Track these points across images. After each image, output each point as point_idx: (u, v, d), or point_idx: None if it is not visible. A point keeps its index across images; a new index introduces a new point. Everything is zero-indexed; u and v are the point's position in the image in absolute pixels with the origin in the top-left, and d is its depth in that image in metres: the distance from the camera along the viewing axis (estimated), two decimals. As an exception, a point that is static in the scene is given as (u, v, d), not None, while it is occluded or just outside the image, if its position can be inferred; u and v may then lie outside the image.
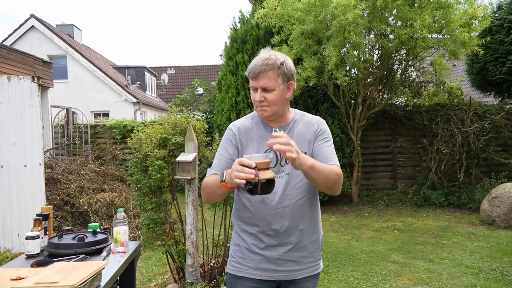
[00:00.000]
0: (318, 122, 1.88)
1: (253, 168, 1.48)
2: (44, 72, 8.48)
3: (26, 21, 17.26)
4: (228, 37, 9.42)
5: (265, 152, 1.78)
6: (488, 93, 11.00)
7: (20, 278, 1.80)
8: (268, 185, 1.52)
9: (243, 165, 1.50)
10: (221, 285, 3.93)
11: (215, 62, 32.33)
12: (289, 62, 1.78)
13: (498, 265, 4.88)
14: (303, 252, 1.83)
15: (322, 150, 1.79)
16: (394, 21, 7.72)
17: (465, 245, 5.79)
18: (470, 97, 9.56)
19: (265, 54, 1.74)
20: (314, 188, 1.85)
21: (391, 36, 7.84)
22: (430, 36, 7.56)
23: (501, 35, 9.25)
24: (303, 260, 1.83)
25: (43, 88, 7.59)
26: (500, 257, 5.19)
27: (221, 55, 9.93)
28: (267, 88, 1.72)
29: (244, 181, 1.48)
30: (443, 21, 7.09)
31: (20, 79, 5.27)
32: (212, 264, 4.12)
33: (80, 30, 21.26)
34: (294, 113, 1.89)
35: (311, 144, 1.82)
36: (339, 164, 1.78)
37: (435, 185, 8.69)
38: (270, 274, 1.80)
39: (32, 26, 17.24)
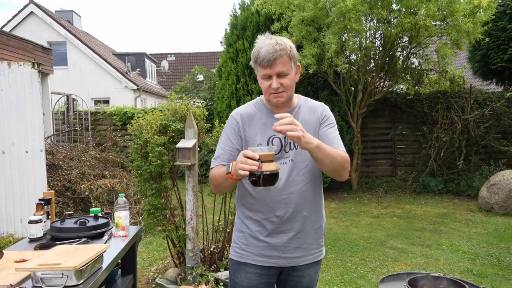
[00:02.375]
0: (322, 108, 1.89)
1: (257, 160, 1.51)
2: (44, 58, 8.46)
3: (25, 7, 17.14)
4: (228, 24, 9.38)
5: (269, 139, 1.80)
6: (490, 81, 10.96)
7: (24, 260, 1.85)
8: (271, 178, 1.54)
9: (247, 157, 1.51)
10: (221, 269, 3.99)
11: (216, 48, 32.17)
12: (293, 45, 1.78)
13: (494, 251, 4.94)
14: (306, 238, 1.84)
15: (328, 136, 1.80)
16: (398, 7, 7.65)
17: (463, 231, 5.85)
18: (470, 84, 9.54)
19: (271, 40, 1.72)
20: (319, 175, 1.86)
21: (394, 21, 7.78)
22: (434, 24, 7.50)
23: (504, 22, 9.18)
24: (307, 247, 1.84)
25: (43, 75, 7.59)
26: (497, 243, 5.25)
27: (221, 42, 9.89)
28: (282, 73, 1.70)
29: (247, 173, 1.50)
30: (447, 10, 7.03)
31: (20, 65, 5.27)
32: (212, 249, 4.18)
33: (80, 16, 21.12)
34: (298, 98, 1.89)
35: (316, 130, 1.82)
36: (345, 150, 1.80)
37: (434, 172, 8.73)
38: (274, 261, 1.82)
39: (31, 12, 17.13)
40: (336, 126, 1.88)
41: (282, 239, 1.80)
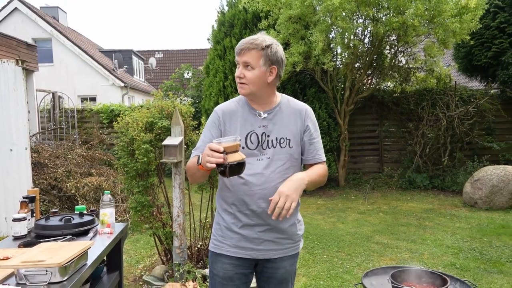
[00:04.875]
0: (306, 111, 1.93)
1: (222, 152, 1.56)
2: (29, 55, 8.36)
3: (8, 3, 16.84)
4: (216, 21, 9.36)
5: (247, 134, 1.83)
6: (474, 78, 11.12)
7: (7, 258, 1.84)
8: (237, 168, 1.60)
9: (212, 149, 1.57)
10: (208, 266, 4.00)
11: (204, 46, 32.07)
12: (277, 48, 1.81)
13: (477, 245, 5.04)
14: (280, 234, 1.88)
15: (313, 146, 1.90)
16: (386, 5, 7.69)
17: (447, 226, 5.95)
18: (455, 81, 9.68)
19: (256, 35, 1.81)
20: (293, 173, 1.89)
21: (382, 19, 7.83)
22: (422, 24, 7.57)
23: (487, 19, 9.31)
24: (281, 241, 1.89)
25: (28, 72, 7.50)
26: (480, 238, 5.35)
27: (208, 39, 9.87)
28: (247, 64, 1.77)
29: (214, 166, 1.57)
30: (434, 10, 7.11)
31: (4, 62, 5.21)
32: (199, 246, 4.19)
33: (65, 13, 20.86)
34: (281, 98, 1.93)
35: (297, 134, 1.88)
36: (325, 158, 1.95)
37: (420, 168, 8.85)
38: (248, 253, 1.87)
39: (16, 8, 16.84)
40: (318, 128, 1.97)
41: (255, 232, 1.85)
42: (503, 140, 9.15)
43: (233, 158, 1.59)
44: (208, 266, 3.96)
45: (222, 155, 1.56)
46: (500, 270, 4.24)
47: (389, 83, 9.89)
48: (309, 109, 1.96)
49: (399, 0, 7.08)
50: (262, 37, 1.79)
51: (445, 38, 7.49)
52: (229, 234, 1.88)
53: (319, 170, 1.88)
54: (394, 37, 8.54)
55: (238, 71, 1.81)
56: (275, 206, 1.64)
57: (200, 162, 1.69)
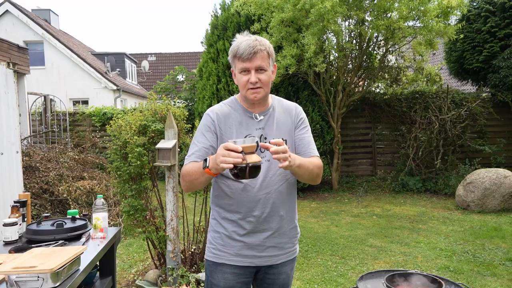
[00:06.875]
0: (296, 110, 1.92)
1: (240, 152, 1.47)
2: (20, 58, 8.27)
3: None
4: (209, 24, 9.35)
5: (245, 137, 1.78)
6: (466, 81, 11.23)
7: (-2, 264, 1.81)
8: (255, 170, 1.50)
9: (229, 149, 1.48)
10: (201, 270, 3.98)
11: (197, 49, 32.05)
12: (271, 45, 1.82)
13: (470, 248, 5.06)
14: (282, 238, 1.86)
15: (303, 141, 1.84)
16: (372, 9, 7.75)
17: (440, 229, 5.97)
18: (447, 85, 9.76)
19: (251, 37, 1.74)
20: (293, 175, 1.88)
21: (368, 20, 7.89)
22: (406, 24, 7.63)
23: (478, 24, 9.42)
24: (283, 246, 1.87)
25: (19, 75, 7.42)
26: (473, 240, 5.38)
27: (202, 42, 9.86)
28: (261, 68, 1.72)
29: (231, 166, 1.46)
30: (419, 9, 7.18)
31: (-5, 65, 5.14)
32: (193, 250, 4.16)
33: (57, 15, 20.74)
34: (272, 99, 1.91)
35: (291, 132, 1.86)
36: (318, 154, 1.86)
37: (413, 171, 8.89)
38: (251, 260, 1.82)
39: (7, 11, 16.71)
40: (309, 127, 1.93)
41: (258, 239, 1.81)
42: (494, 143, 9.23)
43: (252, 159, 1.48)
44: (202, 270, 3.95)
45: (240, 155, 1.46)
46: (493, 272, 4.26)
47: (379, 84, 9.94)
48: (299, 107, 1.95)
49: (382, 2, 7.14)
50: (258, 37, 1.76)
51: (431, 39, 7.55)
52: (231, 243, 1.82)
53: (311, 159, 1.79)
54: (381, 38, 8.59)
55: (253, 77, 1.71)
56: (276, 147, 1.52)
57: (207, 165, 1.58)
